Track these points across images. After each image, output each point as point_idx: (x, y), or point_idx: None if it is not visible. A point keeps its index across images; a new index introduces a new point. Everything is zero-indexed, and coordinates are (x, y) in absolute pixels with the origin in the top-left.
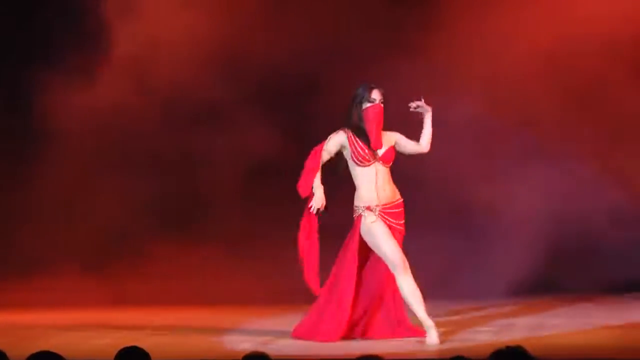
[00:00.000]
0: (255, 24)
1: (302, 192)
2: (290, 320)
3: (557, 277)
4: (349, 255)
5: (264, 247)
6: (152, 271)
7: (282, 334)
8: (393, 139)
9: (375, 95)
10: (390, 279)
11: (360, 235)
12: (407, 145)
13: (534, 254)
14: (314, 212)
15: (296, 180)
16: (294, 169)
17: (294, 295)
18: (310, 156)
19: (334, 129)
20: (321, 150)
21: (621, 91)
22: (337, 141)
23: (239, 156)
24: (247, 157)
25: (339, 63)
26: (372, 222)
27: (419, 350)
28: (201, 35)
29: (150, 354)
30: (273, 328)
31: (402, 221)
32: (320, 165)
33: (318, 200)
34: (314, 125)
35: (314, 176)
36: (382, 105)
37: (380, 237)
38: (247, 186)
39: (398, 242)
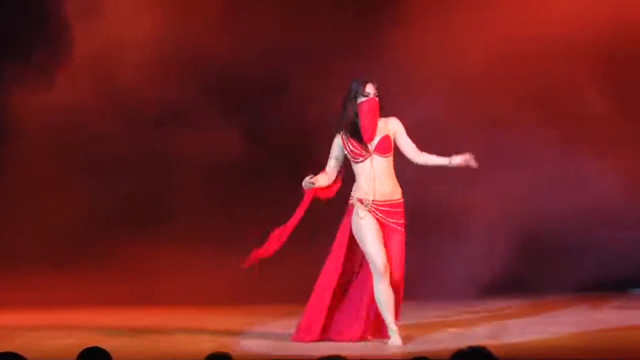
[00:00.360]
0: (218, 26)
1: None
2: (266, 321)
3: (524, 278)
4: (335, 251)
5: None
6: (122, 271)
7: (251, 335)
8: (391, 129)
9: (370, 89)
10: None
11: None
12: (406, 151)
13: (501, 255)
14: (312, 183)
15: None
16: (261, 169)
17: (277, 295)
18: None
19: (296, 130)
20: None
21: (582, 92)
22: (336, 144)
23: (203, 156)
24: (210, 157)
25: (303, 64)
26: (360, 219)
27: (382, 351)
28: (163, 36)
29: (112, 354)
30: (250, 329)
31: (401, 221)
32: (329, 170)
33: (306, 183)
34: (279, 126)
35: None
36: (376, 99)
37: (366, 235)
38: (210, 186)
39: (397, 242)
